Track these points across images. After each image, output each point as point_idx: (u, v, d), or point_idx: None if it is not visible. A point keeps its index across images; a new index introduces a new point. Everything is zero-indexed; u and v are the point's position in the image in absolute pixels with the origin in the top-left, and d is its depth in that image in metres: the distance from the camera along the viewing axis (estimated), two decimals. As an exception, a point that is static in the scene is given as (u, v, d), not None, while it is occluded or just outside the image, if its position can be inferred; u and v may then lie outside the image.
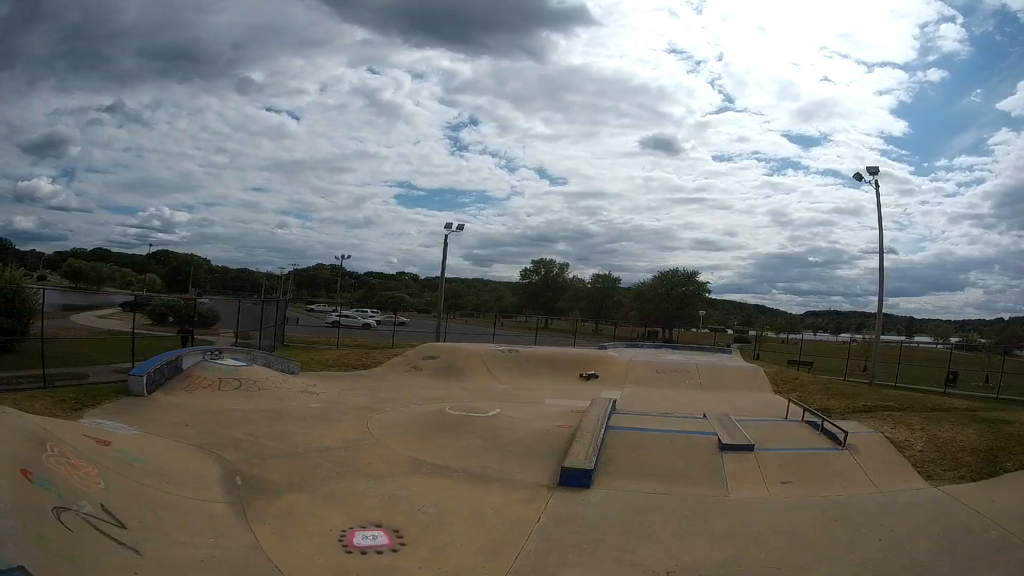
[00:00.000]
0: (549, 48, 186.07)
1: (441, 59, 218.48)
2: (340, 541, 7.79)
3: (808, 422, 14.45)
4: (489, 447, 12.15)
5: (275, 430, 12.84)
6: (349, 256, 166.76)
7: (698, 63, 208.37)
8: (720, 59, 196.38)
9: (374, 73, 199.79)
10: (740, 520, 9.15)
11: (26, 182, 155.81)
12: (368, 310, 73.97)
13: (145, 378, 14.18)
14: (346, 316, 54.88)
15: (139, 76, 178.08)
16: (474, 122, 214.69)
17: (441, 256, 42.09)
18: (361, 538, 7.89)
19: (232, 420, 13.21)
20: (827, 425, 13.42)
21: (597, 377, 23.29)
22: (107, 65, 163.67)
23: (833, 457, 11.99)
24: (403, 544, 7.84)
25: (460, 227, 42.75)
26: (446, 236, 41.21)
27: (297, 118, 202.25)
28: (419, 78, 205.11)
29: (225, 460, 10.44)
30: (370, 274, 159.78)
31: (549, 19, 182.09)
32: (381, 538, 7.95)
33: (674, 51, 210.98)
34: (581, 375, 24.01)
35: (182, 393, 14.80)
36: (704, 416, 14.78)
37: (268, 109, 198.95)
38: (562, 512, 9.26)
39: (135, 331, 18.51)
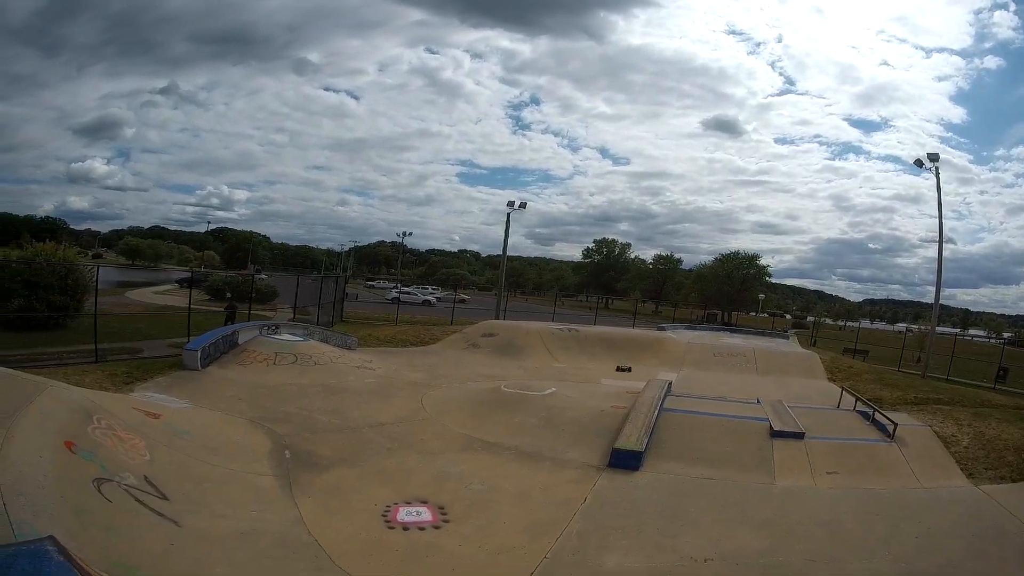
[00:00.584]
0: (608, 28, 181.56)
1: (500, 39, 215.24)
2: (384, 517, 7.72)
3: (859, 412, 14.28)
4: (542, 426, 11.94)
5: (329, 405, 12.87)
6: (411, 233, 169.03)
7: (758, 44, 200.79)
8: (780, 41, 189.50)
9: (432, 53, 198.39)
10: (783, 509, 9.00)
11: (79, 163, 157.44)
12: (428, 287, 74.65)
13: (199, 352, 14.24)
14: (406, 293, 55.20)
15: (192, 59, 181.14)
16: (535, 101, 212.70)
17: (503, 234, 42.17)
18: (405, 514, 7.81)
19: (286, 394, 13.27)
20: (877, 416, 13.21)
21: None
22: (158, 50, 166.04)
23: (881, 449, 11.71)
24: (447, 521, 7.72)
25: (522, 205, 42.10)
26: (508, 214, 40.96)
27: (356, 98, 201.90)
28: (478, 58, 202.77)
29: (276, 434, 10.49)
30: (432, 251, 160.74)
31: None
32: (425, 515, 7.85)
33: (733, 32, 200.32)
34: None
35: (236, 367, 14.88)
36: (757, 401, 14.62)
37: (327, 89, 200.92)
38: (609, 494, 9.04)
39: (191, 306, 18.94)
